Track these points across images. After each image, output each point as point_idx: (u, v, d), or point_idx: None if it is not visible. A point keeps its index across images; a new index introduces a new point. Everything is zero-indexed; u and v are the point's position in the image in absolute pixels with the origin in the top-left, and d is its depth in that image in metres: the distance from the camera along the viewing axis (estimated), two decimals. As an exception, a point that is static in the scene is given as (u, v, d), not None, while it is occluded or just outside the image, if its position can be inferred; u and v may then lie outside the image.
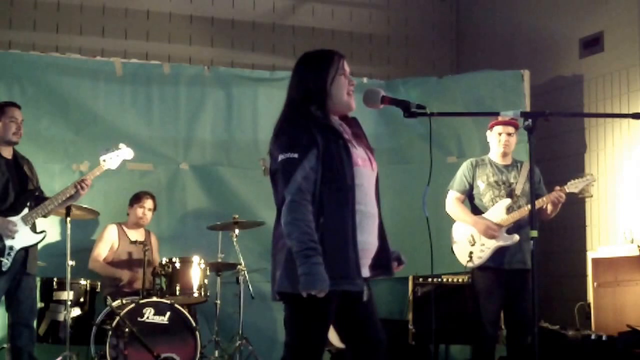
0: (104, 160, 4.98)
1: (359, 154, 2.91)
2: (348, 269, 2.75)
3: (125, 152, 5.08)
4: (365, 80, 6.58)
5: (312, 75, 2.94)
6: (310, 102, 2.90)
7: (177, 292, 5.29)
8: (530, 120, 2.81)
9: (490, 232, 4.73)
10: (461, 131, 6.47)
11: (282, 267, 2.79)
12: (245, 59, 7.24)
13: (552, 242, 6.26)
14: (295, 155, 2.76)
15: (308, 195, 2.75)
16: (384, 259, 2.98)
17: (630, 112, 3.51)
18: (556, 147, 6.43)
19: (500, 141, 4.88)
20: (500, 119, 4.86)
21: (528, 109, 6.02)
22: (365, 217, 2.86)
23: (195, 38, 7.22)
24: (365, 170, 2.91)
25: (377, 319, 2.97)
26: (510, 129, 4.88)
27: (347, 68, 2.98)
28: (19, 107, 4.80)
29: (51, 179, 5.59)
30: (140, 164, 6.07)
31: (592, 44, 6.38)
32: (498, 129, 4.89)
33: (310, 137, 2.80)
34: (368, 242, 2.88)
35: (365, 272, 2.91)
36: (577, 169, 6.10)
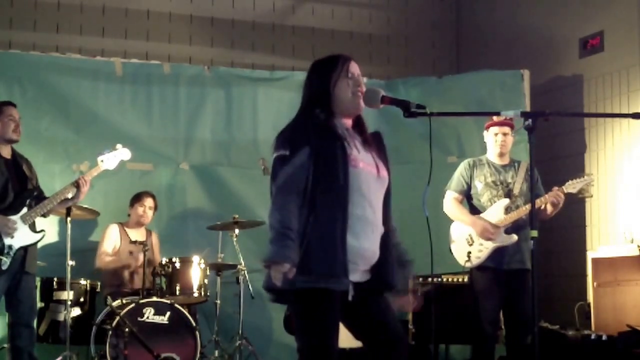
0: (102, 161, 4.99)
1: (360, 157, 2.89)
2: (333, 268, 2.75)
3: (122, 153, 5.09)
4: (365, 80, 6.53)
5: (316, 80, 3.00)
6: (315, 105, 2.94)
7: (177, 292, 5.29)
8: (530, 120, 2.81)
9: (487, 234, 4.72)
10: (461, 131, 6.47)
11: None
12: (245, 59, 7.24)
13: (552, 242, 6.26)
14: (287, 152, 2.82)
15: (294, 189, 2.78)
16: (386, 274, 2.94)
17: (630, 112, 3.51)
18: (556, 147, 6.43)
19: (496, 141, 4.88)
20: (495, 119, 4.86)
21: (528, 109, 6.02)
22: (360, 221, 2.83)
23: (195, 38, 7.21)
24: (366, 174, 2.88)
25: (393, 319, 2.95)
26: (506, 129, 4.88)
27: (354, 70, 3.01)
28: (14, 105, 4.81)
29: (51, 179, 5.59)
30: (140, 164, 6.07)
31: (592, 44, 6.39)
32: (494, 129, 4.89)
33: (304, 136, 2.84)
34: (364, 247, 2.85)
35: (360, 277, 2.88)
36: (577, 169, 6.10)
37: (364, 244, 2.86)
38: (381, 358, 2.90)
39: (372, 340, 2.93)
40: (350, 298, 2.83)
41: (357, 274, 2.87)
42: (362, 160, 2.90)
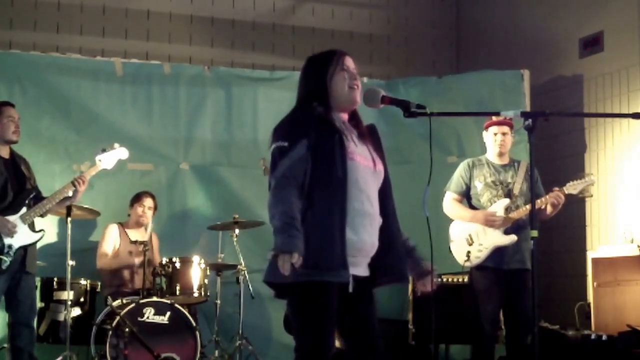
0: (100, 160, 4.99)
1: (357, 150, 2.91)
2: (332, 260, 2.75)
3: (120, 152, 5.08)
4: (365, 80, 6.57)
5: (313, 75, 3.01)
6: (313, 98, 2.95)
7: (177, 292, 5.29)
8: (530, 120, 2.81)
9: (491, 221, 4.71)
10: (461, 131, 6.47)
11: (271, 259, 2.81)
12: (245, 59, 7.24)
13: (552, 242, 6.26)
14: (285, 144, 2.81)
15: (293, 181, 2.78)
16: (393, 265, 2.96)
17: (630, 112, 3.51)
18: (556, 147, 6.43)
19: (495, 141, 4.88)
20: (494, 119, 4.86)
21: (528, 109, 6.02)
22: (358, 215, 2.85)
23: (195, 38, 7.22)
24: (363, 167, 2.90)
25: (375, 323, 2.96)
26: (505, 129, 4.88)
27: (349, 64, 3.01)
28: (13, 105, 4.82)
29: (51, 179, 5.59)
30: (141, 164, 6.08)
31: (592, 44, 6.38)
32: (493, 129, 4.90)
33: (302, 128, 2.85)
34: (363, 240, 2.86)
35: (361, 271, 2.91)
36: (577, 169, 6.10)
37: (363, 236, 2.87)
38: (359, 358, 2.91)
39: (351, 342, 2.94)
40: (350, 290, 2.83)
41: (359, 267, 2.89)
42: (359, 154, 2.91)
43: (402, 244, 3.03)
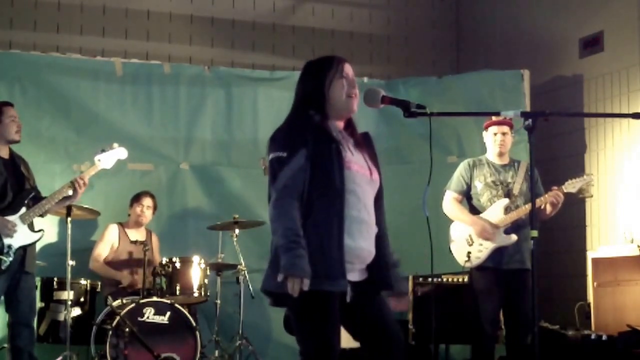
0: (99, 160, 4.98)
1: (354, 159, 2.91)
2: (331, 269, 2.75)
3: (119, 152, 5.07)
4: (365, 80, 6.58)
5: (311, 80, 2.99)
6: (310, 105, 2.94)
7: (177, 292, 5.29)
8: (530, 120, 2.81)
9: (485, 234, 4.72)
10: (461, 131, 6.47)
11: (269, 266, 2.82)
12: (245, 59, 7.24)
13: (552, 242, 6.26)
14: (284, 154, 2.81)
15: (294, 192, 2.78)
16: (382, 274, 2.96)
17: (630, 112, 3.51)
18: (556, 147, 6.43)
19: (495, 141, 4.88)
20: (494, 119, 4.86)
21: (528, 109, 6.02)
22: (355, 222, 2.84)
23: (195, 38, 7.22)
24: (359, 175, 2.90)
25: (390, 320, 2.95)
26: (505, 129, 4.88)
27: (348, 71, 2.99)
28: (12, 105, 4.82)
29: (52, 179, 5.59)
30: (141, 164, 6.09)
31: (592, 44, 6.39)
32: (493, 129, 4.90)
33: (300, 137, 2.83)
34: (360, 247, 2.86)
35: (357, 276, 2.90)
36: (577, 169, 6.09)
37: (360, 243, 2.87)
38: (379, 359, 2.89)
39: (369, 341, 2.93)
40: (348, 299, 2.84)
41: (354, 273, 2.89)
42: (356, 163, 2.91)
43: (389, 254, 3.01)
